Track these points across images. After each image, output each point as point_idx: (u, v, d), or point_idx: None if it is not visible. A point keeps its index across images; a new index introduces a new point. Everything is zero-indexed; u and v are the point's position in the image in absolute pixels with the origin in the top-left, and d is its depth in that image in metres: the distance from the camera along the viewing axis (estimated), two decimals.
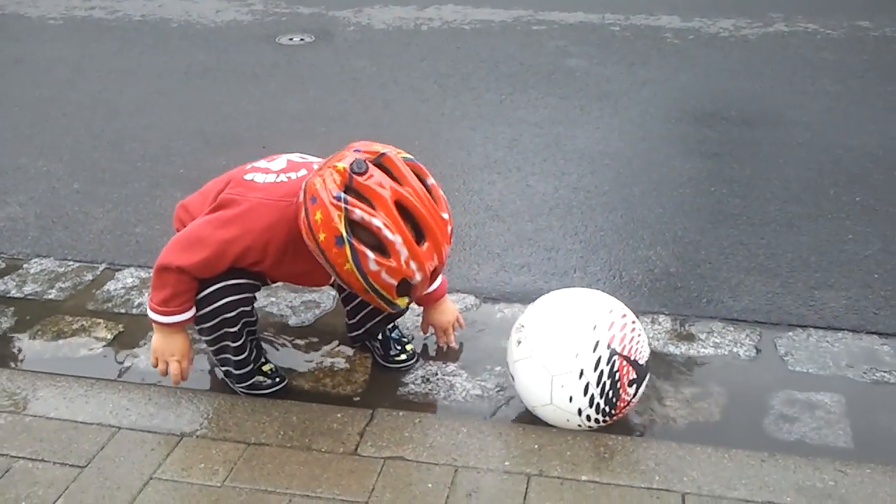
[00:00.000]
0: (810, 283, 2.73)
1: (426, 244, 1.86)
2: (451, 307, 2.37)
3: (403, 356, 2.37)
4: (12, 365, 2.41)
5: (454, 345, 2.36)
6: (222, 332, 2.12)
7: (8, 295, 2.74)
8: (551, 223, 3.13)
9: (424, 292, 2.06)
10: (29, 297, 2.72)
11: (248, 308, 2.13)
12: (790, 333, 2.48)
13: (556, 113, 4.14)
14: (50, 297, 2.72)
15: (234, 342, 2.15)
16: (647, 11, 5.83)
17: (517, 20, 5.69)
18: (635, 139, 3.86)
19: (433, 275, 1.94)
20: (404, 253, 1.83)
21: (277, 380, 2.27)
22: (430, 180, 1.91)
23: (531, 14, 5.81)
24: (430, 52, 5.06)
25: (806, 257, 2.89)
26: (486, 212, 3.22)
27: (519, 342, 2.09)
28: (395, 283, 1.88)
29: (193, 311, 2.08)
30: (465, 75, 4.63)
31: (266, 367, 2.29)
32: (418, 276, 1.88)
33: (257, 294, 2.17)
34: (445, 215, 1.90)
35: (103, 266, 2.88)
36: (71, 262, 2.91)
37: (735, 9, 5.86)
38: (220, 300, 2.05)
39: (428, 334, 2.43)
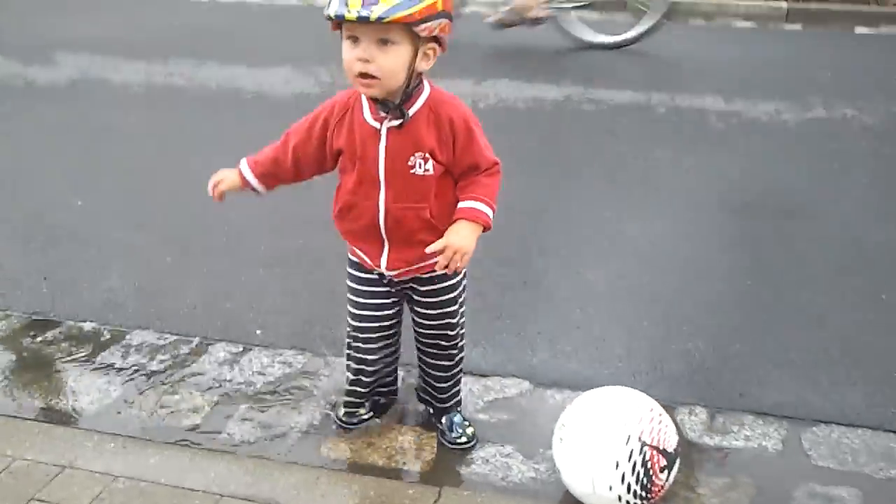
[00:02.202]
0: (834, 379, 3.00)
1: None
2: (466, 240, 2.25)
3: (464, 439, 2.67)
4: (122, 433, 2.74)
5: (439, 268, 2.29)
6: None
7: (114, 365, 3.10)
8: (600, 311, 3.44)
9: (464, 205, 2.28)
10: (133, 367, 3.08)
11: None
12: (814, 429, 2.75)
13: (605, 199, 4.45)
14: (152, 368, 3.08)
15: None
16: (692, 90, 6.15)
17: (568, 98, 6.03)
18: (678, 229, 4.15)
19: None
20: None
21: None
22: None
23: (581, 91, 6.15)
24: (486, 130, 5.40)
25: (831, 352, 3.16)
26: (538, 300, 3.53)
27: (561, 439, 2.40)
28: None
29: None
30: (520, 158, 4.96)
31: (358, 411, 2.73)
32: None
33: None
34: None
35: (197, 340, 3.24)
36: (168, 335, 3.27)
37: (776, 91, 6.15)
38: None
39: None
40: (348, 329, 2.59)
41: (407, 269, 2.40)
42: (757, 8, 9.30)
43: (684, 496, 2.48)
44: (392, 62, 2.10)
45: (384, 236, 2.35)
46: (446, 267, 2.25)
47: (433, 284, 2.45)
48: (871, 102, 5.92)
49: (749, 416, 2.82)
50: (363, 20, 2.00)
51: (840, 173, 4.79)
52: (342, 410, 2.76)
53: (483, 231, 2.28)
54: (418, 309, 2.52)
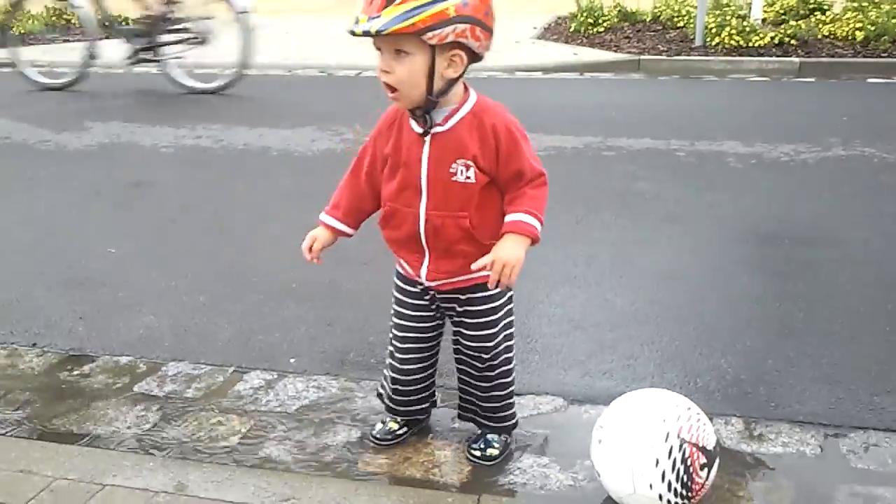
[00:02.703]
0: (870, 391, 2.99)
1: None
2: (515, 253, 2.25)
3: (477, 453, 2.62)
4: (161, 454, 2.77)
5: (492, 284, 2.29)
6: None
7: (151, 393, 3.13)
8: (629, 334, 3.46)
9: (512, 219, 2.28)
10: (170, 395, 3.12)
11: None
12: (852, 435, 2.74)
13: (629, 233, 4.51)
14: (188, 395, 3.11)
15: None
16: (711, 137, 6.25)
17: (587, 146, 6.14)
18: (704, 258, 4.20)
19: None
20: None
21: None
22: None
23: (601, 140, 6.27)
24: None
25: (866, 367, 3.16)
26: (568, 323, 3.56)
27: (600, 441, 2.40)
28: None
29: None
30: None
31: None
32: None
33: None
34: None
35: (232, 369, 3.28)
36: (203, 366, 3.31)
37: (795, 135, 6.24)
38: None
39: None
40: (390, 337, 2.64)
41: (447, 280, 2.43)
42: (770, 63, 9.48)
43: (724, 498, 2.46)
44: (407, 72, 2.14)
45: (424, 245, 2.38)
46: (498, 283, 2.27)
47: (475, 305, 2.46)
48: (890, 142, 5.99)
49: (785, 424, 2.81)
50: (367, 34, 2.08)
51: (862, 204, 4.83)
52: (377, 427, 2.78)
53: (531, 244, 2.29)
54: (457, 325, 2.54)
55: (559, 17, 13.12)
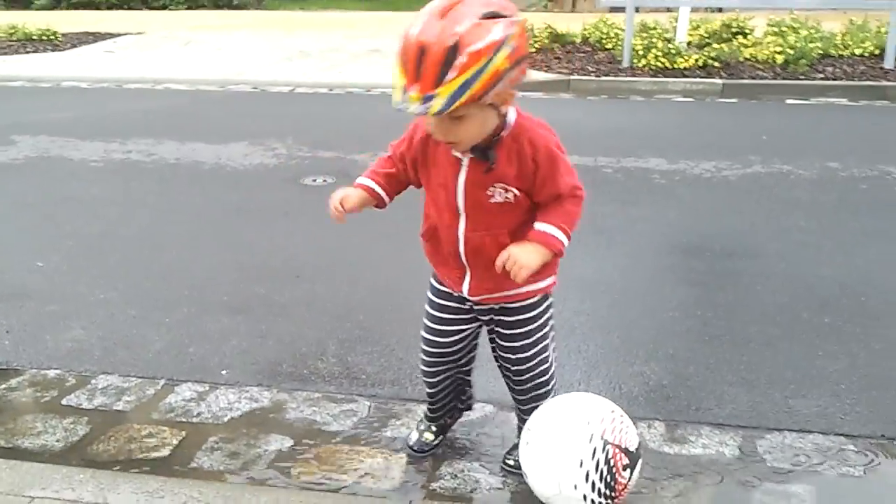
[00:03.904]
0: (786, 393, 3.13)
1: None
2: (529, 259, 2.21)
3: (511, 462, 2.70)
4: (91, 466, 2.75)
5: (498, 265, 2.23)
6: None
7: (80, 406, 3.11)
8: (556, 343, 3.53)
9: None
10: (99, 408, 3.09)
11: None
12: (769, 436, 2.86)
13: None
14: (118, 408, 3.09)
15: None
16: (637, 155, 6.42)
17: None
18: (629, 269, 4.32)
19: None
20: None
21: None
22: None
23: None
24: None
25: (782, 371, 3.29)
26: None
27: (527, 443, 2.47)
28: None
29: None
30: None
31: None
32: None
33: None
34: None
35: (163, 381, 3.27)
36: (133, 378, 3.30)
37: (717, 152, 6.46)
38: None
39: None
40: (420, 343, 2.64)
41: (489, 296, 2.43)
42: (694, 84, 9.76)
43: (647, 498, 2.55)
44: (469, 131, 2.09)
45: (465, 263, 2.38)
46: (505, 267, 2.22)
47: (514, 315, 2.47)
48: (806, 159, 6.24)
49: (706, 426, 2.92)
50: (423, 114, 1.99)
51: (780, 218, 5.02)
52: (412, 437, 2.81)
53: (554, 257, 2.26)
54: (492, 333, 2.56)
55: None
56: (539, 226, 2.23)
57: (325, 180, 5.84)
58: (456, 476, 2.67)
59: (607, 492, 2.36)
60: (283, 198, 5.49)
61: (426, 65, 1.91)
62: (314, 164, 6.29)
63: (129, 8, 20.94)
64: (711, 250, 4.55)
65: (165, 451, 2.83)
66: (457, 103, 1.94)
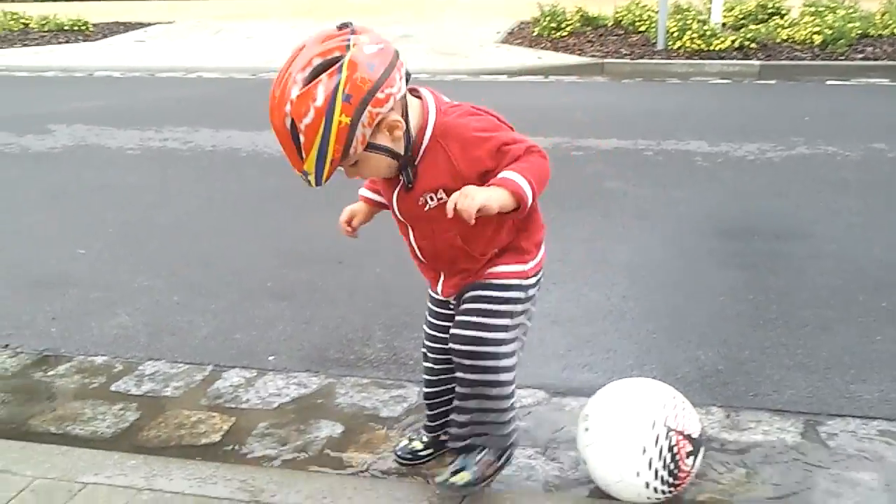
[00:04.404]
0: (846, 378, 3.05)
1: None
2: (482, 192, 2.00)
3: (446, 475, 2.33)
4: (143, 452, 2.73)
5: (449, 207, 2.03)
6: None
7: (129, 392, 3.09)
8: (606, 328, 3.48)
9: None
10: (148, 394, 3.08)
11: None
12: (831, 422, 2.79)
13: (601, 230, 4.55)
14: (166, 394, 3.08)
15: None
16: (677, 137, 6.32)
17: (556, 146, 6.18)
18: (675, 253, 4.25)
19: None
20: None
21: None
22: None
23: (569, 141, 6.31)
24: None
25: (840, 356, 3.21)
26: (545, 318, 3.57)
27: (586, 429, 2.42)
28: None
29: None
30: None
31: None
32: None
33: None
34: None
35: (210, 367, 3.25)
36: (181, 364, 3.28)
37: (759, 134, 6.34)
38: None
39: None
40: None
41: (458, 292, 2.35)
42: (731, 66, 9.62)
43: (708, 486, 2.48)
44: (370, 170, 2.09)
45: (434, 267, 2.35)
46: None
47: (470, 291, 2.28)
48: (850, 141, 6.11)
49: (765, 412, 2.85)
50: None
51: (828, 199, 4.92)
52: (401, 443, 2.68)
53: (517, 207, 2.04)
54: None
55: (522, 22, 13.18)
56: (501, 174, 2.05)
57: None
58: (511, 463, 2.61)
59: (670, 479, 2.30)
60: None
61: (285, 148, 1.98)
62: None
63: None
64: (759, 233, 4.46)
65: (216, 437, 2.80)
66: (325, 173, 1.97)
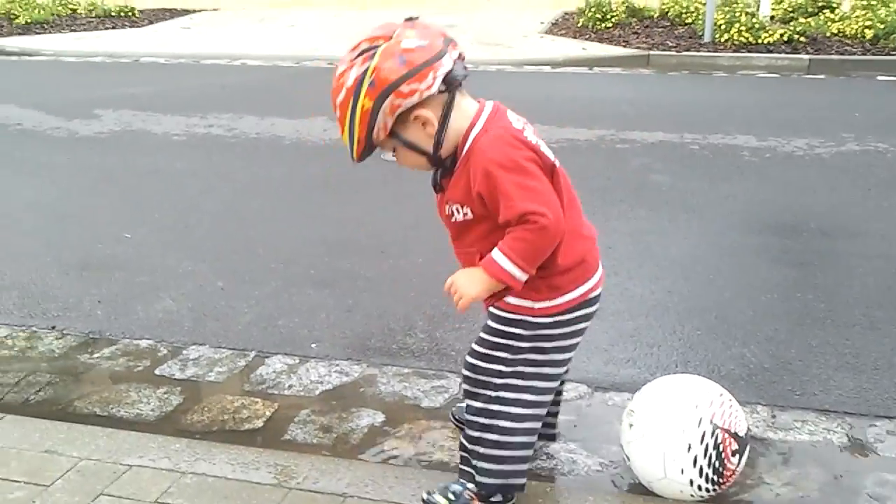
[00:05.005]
0: (895, 380, 2.99)
1: None
2: (470, 283, 2.09)
3: (434, 499, 2.29)
4: (186, 435, 2.76)
5: (444, 291, 2.15)
6: None
7: (173, 376, 3.12)
8: (650, 323, 3.45)
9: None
10: (192, 378, 3.11)
11: None
12: (878, 423, 2.74)
13: (646, 223, 4.50)
14: (210, 379, 3.10)
15: None
16: (724, 132, 6.24)
17: (601, 139, 6.13)
18: (722, 248, 4.19)
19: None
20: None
21: None
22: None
23: (614, 133, 6.26)
24: None
25: (889, 357, 3.15)
26: None
27: (631, 425, 2.39)
28: None
29: None
30: None
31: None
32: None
33: None
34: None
35: (254, 353, 3.27)
36: (224, 350, 3.31)
37: (808, 129, 6.24)
38: None
39: None
40: None
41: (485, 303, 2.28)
42: (779, 60, 9.47)
43: (753, 486, 2.45)
44: (406, 161, 2.14)
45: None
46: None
47: (487, 320, 2.27)
48: None
49: (811, 412, 2.81)
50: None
51: (879, 197, 4.82)
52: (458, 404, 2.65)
53: (506, 288, 2.08)
54: None
55: (566, 13, 13.09)
56: (492, 252, 2.06)
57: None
58: (553, 457, 2.60)
59: (715, 477, 2.28)
60: (363, 173, 5.43)
61: (337, 119, 2.08)
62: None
63: None
64: (808, 230, 4.38)
65: (259, 423, 2.82)
66: (355, 150, 2.07)
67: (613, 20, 11.59)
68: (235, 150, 6.15)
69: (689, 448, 2.25)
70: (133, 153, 6.12)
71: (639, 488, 2.41)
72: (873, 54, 9.60)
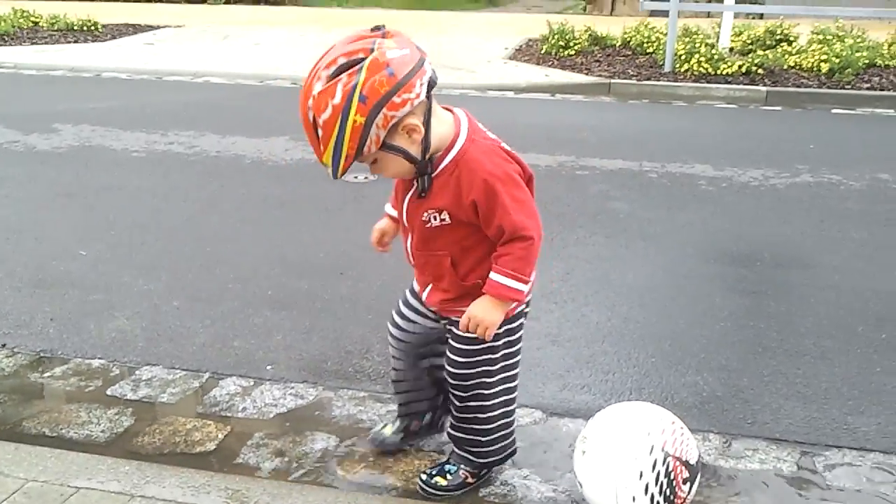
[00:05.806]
0: (844, 410, 3.04)
1: None
2: (487, 315, 2.23)
3: (423, 476, 2.55)
4: (137, 458, 2.72)
5: (461, 328, 2.29)
6: None
7: (125, 397, 3.08)
8: (606, 349, 3.47)
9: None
10: (144, 399, 3.07)
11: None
12: (827, 453, 2.78)
13: (604, 250, 4.54)
14: (162, 400, 3.07)
15: None
16: (681, 160, 6.32)
17: (561, 165, 6.19)
18: (678, 276, 4.24)
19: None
20: None
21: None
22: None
23: (574, 160, 6.31)
24: None
25: (839, 386, 3.20)
26: (545, 337, 3.57)
27: (584, 452, 2.41)
28: None
29: None
30: None
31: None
32: None
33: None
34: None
35: (207, 375, 3.23)
36: (178, 371, 3.27)
37: (764, 160, 6.34)
38: None
39: None
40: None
41: (440, 307, 2.41)
42: (737, 91, 9.63)
43: None
44: (388, 169, 2.15)
45: (421, 275, 2.42)
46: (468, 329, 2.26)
47: (455, 334, 2.39)
48: (856, 170, 6.11)
49: (762, 441, 2.84)
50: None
51: (832, 229, 4.91)
52: (377, 427, 2.79)
53: (466, 293, 2.27)
54: (447, 347, 2.45)
55: (530, 39, 13.20)
56: (492, 276, 2.20)
57: (366, 177, 5.79)
58: (506, 483, 2.61)
59: None
60: (325, 194, 5.45)
61: (308, 139, 2.06)
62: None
63: (169, 1, 21.07)
64: (762, 260, 4.45)
65: (210, 446, 2.79)
66: (341, 167, 2.04)
67: (576, 48, 11.71)
68: (195, 168, 6.10)
69: (641, 475, 2.27)
70: (91, 169, 6.05)
71: None
72: (828, 87, 9.79)
